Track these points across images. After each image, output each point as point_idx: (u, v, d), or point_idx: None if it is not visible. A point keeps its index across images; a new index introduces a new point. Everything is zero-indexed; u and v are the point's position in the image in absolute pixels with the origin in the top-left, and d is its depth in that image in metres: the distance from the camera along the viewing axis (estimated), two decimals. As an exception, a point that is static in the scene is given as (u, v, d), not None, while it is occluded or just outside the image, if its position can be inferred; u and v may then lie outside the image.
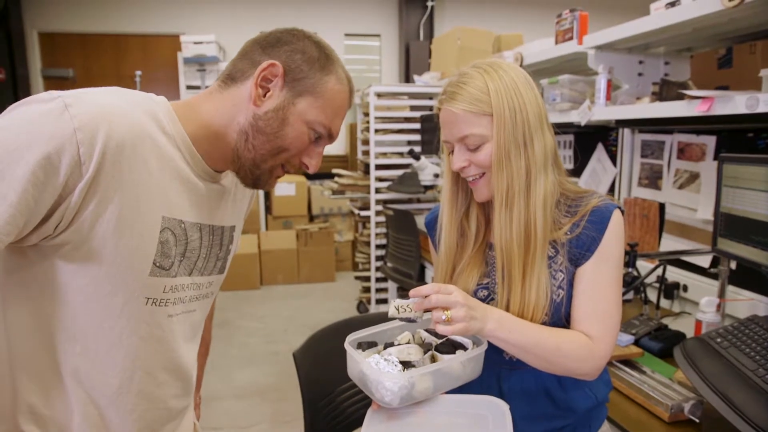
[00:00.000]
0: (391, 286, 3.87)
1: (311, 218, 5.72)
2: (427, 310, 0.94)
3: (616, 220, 0.98)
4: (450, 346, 0.97)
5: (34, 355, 0.80)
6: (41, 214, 0.70)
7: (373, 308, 4.12)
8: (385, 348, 0.99)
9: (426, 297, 0.89)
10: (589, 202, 1.00)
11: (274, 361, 3.52)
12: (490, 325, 0.91)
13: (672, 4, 1.73)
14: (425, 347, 0.99)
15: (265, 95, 0.82)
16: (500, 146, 0.96)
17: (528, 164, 0.97)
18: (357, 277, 4.39)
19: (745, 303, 1.65)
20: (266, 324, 4.22)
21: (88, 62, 5.70)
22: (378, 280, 4.06)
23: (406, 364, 0.92)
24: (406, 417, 0.92)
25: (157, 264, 0.80)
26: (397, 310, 0.92)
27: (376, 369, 0.89)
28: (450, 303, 0.88)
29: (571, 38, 2.27)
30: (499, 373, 1.05)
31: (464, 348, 0.98)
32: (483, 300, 1.03)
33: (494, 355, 1.02)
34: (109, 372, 0.82)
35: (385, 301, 4.10)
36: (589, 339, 0.96)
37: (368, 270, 4.14)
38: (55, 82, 5.62)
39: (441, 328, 0.88)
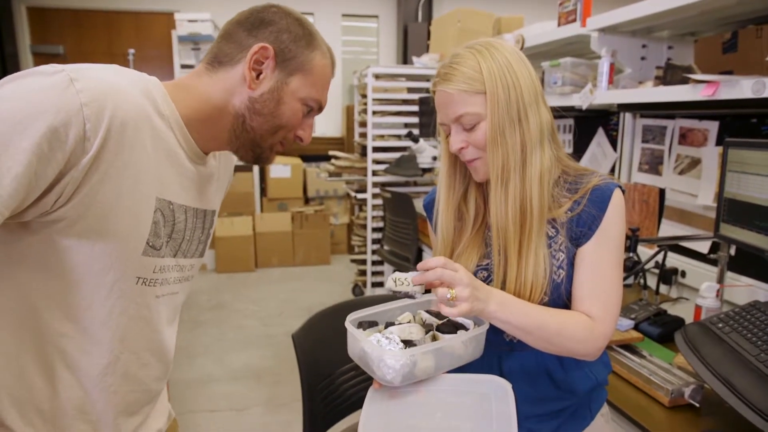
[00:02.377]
0: (388, 269, 3.87)
1: (307, 200, 5.69)
2: (427, 290, 0.92)
3: (617, 199, 0.98)
4: (451, 326, 0.97)
5: (15, 338, 0.78)
6: (41, 189, 0.68)
7: (369, 291, 4.12)
8: (386, 327, 0.98)
9: (429, 270, 0.88)
10: (590, 180, 1.00)
11: (270, 344, 3.52)
12: (492, 306, 0.90)
13: (679, -14, 1.70)
14: (426, 328, 0.99)
15: (258, 77, 0.84)
16: (494, 123, 0.95)
17: (523, 140, 0.96)
18: (353, 260, 4.38)
19: (743, 289, 1.65)
20: (261, 306, 4.22)
21: (80, 39, 5.59)
22: (374, 263, 4.06)
23: (408, 343, 0.91)
24: (407, 396, 0.92)
25: (150, 244, 0.81)
26: (395, 282, 0.91)
27: (377, 347, 0.88)
28: (455, 281, 0.87)
29: (574, 20, 2.24)
30: (500, 354, 1.05)
31: (465, 328, 0.98)
32: (483, 282, 1.02)
33: (494, 336, 1.02)
34: (96, 352, 0.82)
35: (381, 284, 4.10)
36: (590, 319, 0.96)
37: (364, 253, 4.13)
38: (45, 59, 5.50)
39: (445, 309, 0.87)
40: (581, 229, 0.97)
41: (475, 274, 1.04)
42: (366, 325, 1.00)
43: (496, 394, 0.91)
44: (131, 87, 0.76)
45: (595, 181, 0.99)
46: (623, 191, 1.00)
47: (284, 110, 0.86)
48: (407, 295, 0.92)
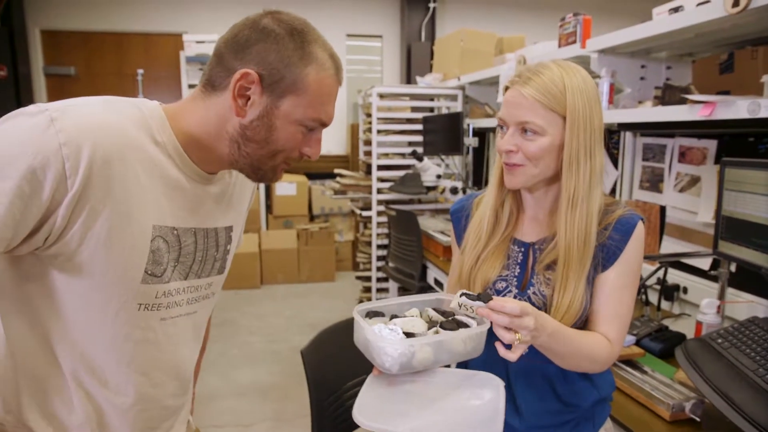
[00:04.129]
0: (392, 286, 3.89)
1: (312, 218, 5.73)
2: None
3: (640, 230, 1.03)
4: (454, 325, 0.99)
5: (37, 360, 0.82)
6: (29, 227, 0.71)
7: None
8: (390, 319, 1.02)
9: (501, 313, 0.87)
10: (615, 211, 1.04)
11: (276, 360, 3.54)
12: (543, 338, 0.92)
13: (675, 10, 1.75)
14: (431, 324, 1.01)
15: (246, 104, 0.80)
16: (572, 149, 0.98)
17: (591, 173, 1.00)
18: (358, 277, 4.40)
19: (744, 305, 1.67)
20: (267, 323, 4.23)
21: (90, 60, 5.70)
22: (379, 280, 4.08)
23: (409, 335, 0.94)
24: (404, 384, 0.96)
25: (149, 272, 0.81)
26: (459, 306, 0.93)
27: (378, 335, 0.92)
28: (522, 327, 0.87)
29: (574, 42, 2.30)
30: (507, 363, 1.07)
31: (468, 327, 1.00)
32: (500, 292, 1.07)
33: None
34: (106, 374, 0.85)
35: (385, 300, 4.11)
36: (608, 341, 1.01)
37: (369, 270, 4.16)
38: (57, 80, 5.62)
39: (502, 352, 0.88)
40: (605, 256, 1.02)
41: (494, 282, 1.08)
42: (372, 315, 1.03)
43: (489, 390, 0.95)
44: (120, 119, 0.77)
45: (620, 212, 1.04)
46: (644, 223, 1.05)
47: (278, 135, 0.82)
48: (467, 316, 0.95)
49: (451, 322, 1.00)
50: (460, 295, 0.94)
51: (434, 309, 1.06)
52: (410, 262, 3.27)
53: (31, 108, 0.72)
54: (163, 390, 0.92)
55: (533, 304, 1.04)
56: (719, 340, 1.22)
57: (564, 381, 1.06)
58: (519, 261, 1.08)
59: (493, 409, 0.90)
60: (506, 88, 1.03)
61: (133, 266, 0.80)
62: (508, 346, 0.89)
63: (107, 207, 0.74)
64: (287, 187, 5.48)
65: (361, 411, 0.90)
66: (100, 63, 5.73)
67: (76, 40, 5.65)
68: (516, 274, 1.08)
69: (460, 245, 1.17)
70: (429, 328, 0.99)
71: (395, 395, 0.94)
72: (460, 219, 1.19)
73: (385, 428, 0.88)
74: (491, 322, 0.90)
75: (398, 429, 0.88)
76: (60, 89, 5.63)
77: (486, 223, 1.10)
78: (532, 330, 0.87)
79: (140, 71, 5.35)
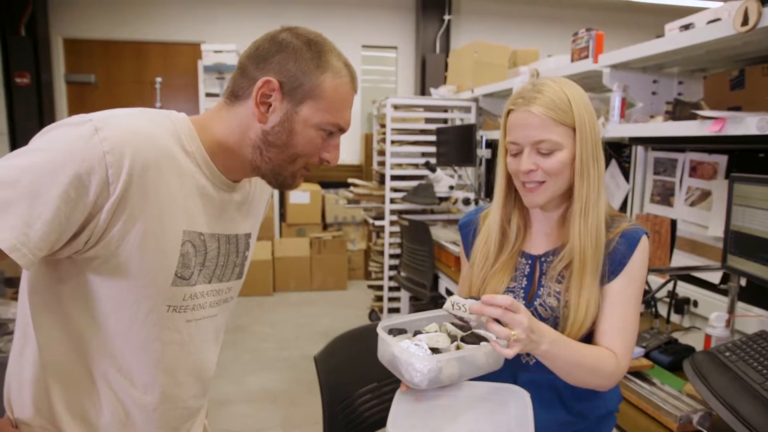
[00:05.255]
0: (404, 295, 3.92)
1: (325, 226, 5.78)
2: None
3: (644, 244, 1.05)
4: (475, 338, 1.01)
5: (66, 361, 0.85)
6: (72, 231, 0.75)
7: (385, 317, 4.16)
8: (414, 335, 1.04)
9: (493, 306, 0.89)
10: (620, 224, 1.07)
11: (286, 367, 3.57)
12: (544, 346, 0.93)
13: (686, 27, 1.78)
14: (451, 338, 1.03)
15: (268, 110, 0.85)
16: (583, 158, 1.01)
17: (599, 178, 1.03)
18: (370, 286, 4.43)
19: (754, 319, 1.68)
20: (278, 330, 4.27)
21: (110, 68, 5.82)
22: (390, 289, 4.11)
23: (435, 351, 0.96)
24: (433, 399, 0.98)
25: (179, 275, 0.86)
26: (452, 305, 0.96)
27: (407, 351, 0.94)
28: (516, 323, 0.88)
29: (586, 56, 2.33)
30: (516, 374, 1.10)
31: (488, 341, 1.03)
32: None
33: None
34: (134, 374, 0.88)
35: (397, 310, 4.14)
36: (615, 355, 1.02)
37: (381, 279, 4.19)
38: (77, 87, 5.75)
39: (500, 350, 0.89)
40: (610, 266, 1.04)
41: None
42: (396, 332, 1.05)
43: (515, 402, 0.97)
44: (156, 130, 0.82)
45: (625, 226, 1.06)
46: (648, 237, 1.07)
47: (298, 140, 0.86)
48: (461, 320, 0.97)
49: (471, 336, 1.02)
50: (452, 294, 0.97)
51: (452, 323, 1.08)
52: (422, 271, 3.30)
53: (74, 118, 0.76)
54: (187, 390, 0.96)
55: (540, 315, 1.06)
56: (727, 353, 1.24)
57: (572, 393, 1.08)
58: (526, 273, 1.11)
59: (523, 421, 0.92)
60: (508, 112, 1.05)
61: (165, 269, 0.84)
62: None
63: (144, 212, 0.79)
64: (301, 195, 5.53)
65: (394, 427, 0.92)
66: (120, 71, 5.85)
67: (97, 48, 5.77)
68: (523, 285, 1.10)
69: (468, 259, 1.20)
70: (451, 342, 1.01)
71: (425, 410, 0.97)
72: (468, 234, 1.21)
73: None
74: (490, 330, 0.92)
75: None
76: (80, 96, 5.76)
77: (493, 242, 1.13)
78: (527, 329, 0.88)
79: (159, 79, 5.46)
